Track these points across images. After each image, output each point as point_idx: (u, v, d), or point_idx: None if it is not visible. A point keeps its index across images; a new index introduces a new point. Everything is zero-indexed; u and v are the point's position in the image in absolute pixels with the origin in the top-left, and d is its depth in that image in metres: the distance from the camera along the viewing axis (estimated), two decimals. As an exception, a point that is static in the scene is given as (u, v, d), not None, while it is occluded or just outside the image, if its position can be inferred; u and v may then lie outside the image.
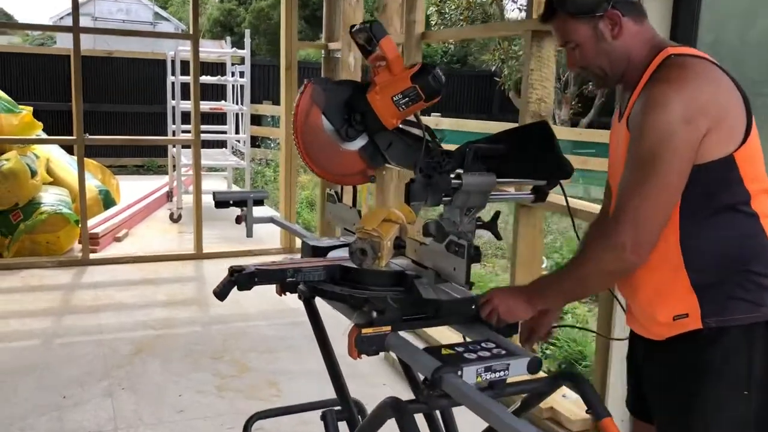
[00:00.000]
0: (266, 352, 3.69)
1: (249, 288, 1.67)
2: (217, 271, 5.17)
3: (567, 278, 1.59)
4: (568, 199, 1.94)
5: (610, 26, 1.54)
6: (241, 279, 1.66)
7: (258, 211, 2.73)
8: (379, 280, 1.69)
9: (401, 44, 4.45)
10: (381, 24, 1.63)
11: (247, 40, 7.04)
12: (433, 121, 10.50)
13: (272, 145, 11.15)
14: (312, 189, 9.39)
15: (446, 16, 10.26)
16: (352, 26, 1.70)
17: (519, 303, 1.58)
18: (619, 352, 2.60)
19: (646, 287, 1.58)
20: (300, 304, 1.88)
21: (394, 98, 1.65)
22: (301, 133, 1.72)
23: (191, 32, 5.49)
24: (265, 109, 11.81)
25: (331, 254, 1.89)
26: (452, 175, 1.74)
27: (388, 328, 1.48)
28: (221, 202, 2.89)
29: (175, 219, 6.93)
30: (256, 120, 11.68)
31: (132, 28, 19.76)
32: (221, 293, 1.67)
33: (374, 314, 1.53)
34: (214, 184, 8.02)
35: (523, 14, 10.99)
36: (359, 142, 1.77)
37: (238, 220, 2.97)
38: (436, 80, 1.64)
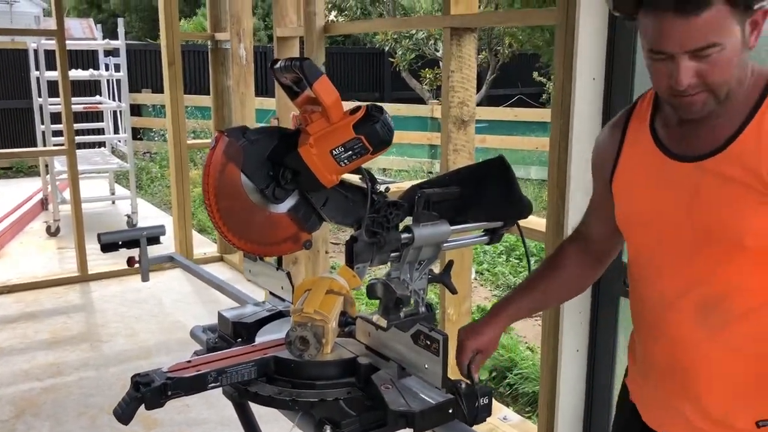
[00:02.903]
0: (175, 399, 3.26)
1: (160, 405, 1.30)
2: (107, 296, 4.63)
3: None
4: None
5: (750, 30, 1.12)
6: (149, 396, 1.28)
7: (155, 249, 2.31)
8: (327, 372, 1.38)
9: (299, 38, 4.06)
10: (312, 62, 1.28)
11: (121, 29, 6.36)
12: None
13: (155, 137, 10.39)
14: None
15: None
16: (274, 61, 1.34)
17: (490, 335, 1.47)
18: (569, 369, 2.43)
19: (727, 380, 1.24)
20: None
21: (334, 152, 1.32)
22: (215, 196, 1.35)
23: (55, 22, 4.78)
24: (145, 98, 11.01)
25: (261, 336, 1.54)
26: (401, 229, 1.47)
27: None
28: (108, 244, 2.45)
29: (52, 232, 6.23)
30: (135, 110, 10.84)
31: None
32: (124, 416, 1.29)
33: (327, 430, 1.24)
34: (94, 185, 7.29)
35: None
36: (288, 202, 1.42)
37: (130, 262, 2.54)
38: (384, 128, 1.32)
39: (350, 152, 1.32)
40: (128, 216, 6.52)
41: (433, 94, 10.74)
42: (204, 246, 5.92)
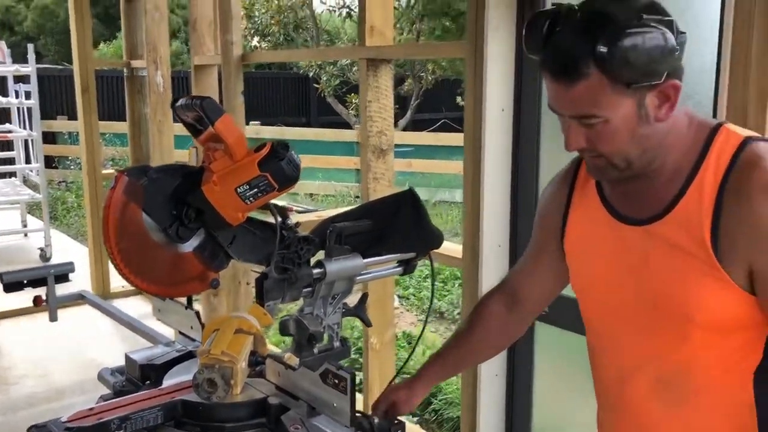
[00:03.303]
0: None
1: (59, 458, 1.24)
2: (15, 336, 4.40)
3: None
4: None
5: (658, 102, 1.07)
6: (47, 449, 1.22)
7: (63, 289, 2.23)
8: (236, 414, 1.35)
9: (217, 66, 4.03)
10: (213, 100, 1.27)
11: (32, 55, 6.13)
12: (254, 130, 10.04)
13: (72, 166, 10.03)
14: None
15: (256, 20, 9.80)
16: (175, 100, 1.32)
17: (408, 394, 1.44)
18: (488, 393, 2.46)
19: None
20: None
21: (239, 190, 1.30)
22: (116, 237, 1.31)
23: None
24: (61, 125, 10.63)
25: (169, 378, 1.49)
26: (312, 264, 1.46)
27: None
28: (11, 284, 2.35)
29: (-43, 268, 5.89)
30: (50, 137, 10.44)
31: None
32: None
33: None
34: (4, 217, 6.96)
35: (340, 13, 10.86)
36: (194, 241, 1.39)
37: (37, 301, 2.43)
38: (291, 165, 1.31)
39: (255, 190, 1.30)
40: (41, 249, 6.24)
41: (360, 119, 10.80)
42: (122, 279, 5.71)
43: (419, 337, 2.72)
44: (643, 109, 1.07)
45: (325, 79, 9.65)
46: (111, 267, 5.55)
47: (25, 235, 7.01)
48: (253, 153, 1.30)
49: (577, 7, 1.07)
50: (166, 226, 1.33)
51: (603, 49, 1.00)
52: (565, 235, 1.32)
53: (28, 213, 7.35)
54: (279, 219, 1.41)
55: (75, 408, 3.43)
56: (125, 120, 5.32)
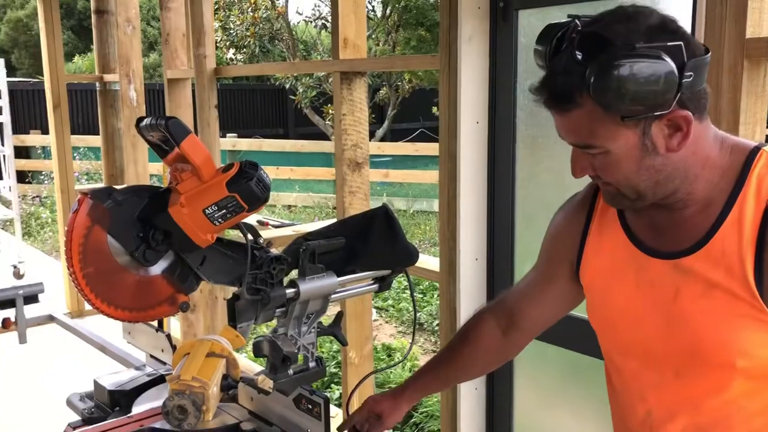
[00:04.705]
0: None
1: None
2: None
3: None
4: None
5: (668, 133, 0.98)
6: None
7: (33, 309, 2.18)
8: (208, 440, 1.31)
9: (189, 79, 3.99)
10: (179, 120, 1.24)
11: (2, 70, 6.04)
12: (230, 142, 9.97)
13: (45, 180, 9.88)
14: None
15: (231, 32, 9.75)
16: (140, 119, 1.29)
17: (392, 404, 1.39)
18: (468, 407, 2.44)
19: None
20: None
21: (207, 211, 1.27)
22: (80, 262, 1.27)
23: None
24: (34, 139, 10.48)
25: (139, 404, 1.45)
26: (285, 284, 1.43)
27: None
28: (-21, 306, 2.28)
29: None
30: (23, 152, 10.29)
31: None
32: None
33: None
34: (-24, 235, 6.83)
35: (315, 25, 10.84)
36: (162, 263, 1.35)
37: (5, 324, 2.38)
38: (260, 185, 1.28)
39: (224, 211, 1.27)
40: (14, 266, 6.12)
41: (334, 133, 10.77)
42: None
43: (405, 356, 2.66)
44: (648, 140, 0.98)
45: (301, 90, 9.62)
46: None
47: (-3, 252, 6.89)
48: (221, 173, 1.27)
49: (580, 27, 0.99)
50: (132, 250, 1.29)
51: (593, 79, 0.93)
52: (581, 265, 1.22)
53: (1, 229, 7.23)
54: (250, 238, 1.38)
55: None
56: (98, 134, 5.26)
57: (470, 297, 2.40)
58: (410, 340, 1.70)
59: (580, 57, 0.95)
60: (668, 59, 0.92)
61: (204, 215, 1.27)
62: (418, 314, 5.10)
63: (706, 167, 1.02)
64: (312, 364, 1.47)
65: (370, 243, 1.58)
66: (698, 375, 1.06)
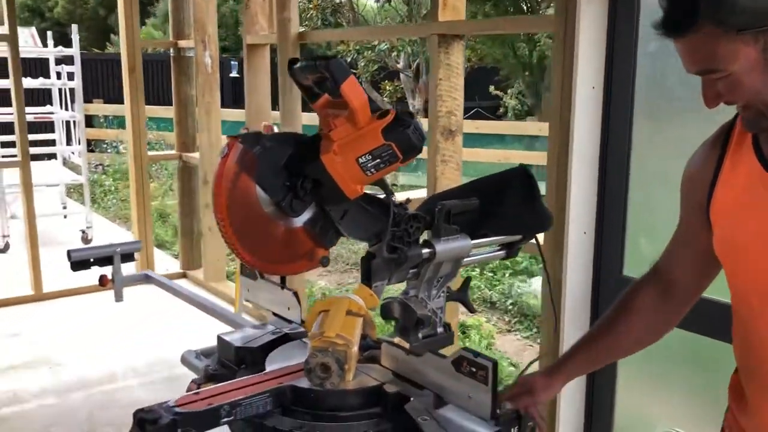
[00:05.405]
0: (145, 425, 3.06)
1: (170, 445, 1.16)
2: (65, 317, 4.36)
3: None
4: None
5: None
6: (156, 433, 1.14)
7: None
8: (350, 402, 1.26)
9: (267, 45, 3.93)
10: (341, 60, 1.16)
11: (75, 36, 6.11)
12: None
13: (108, 149, 10.04)
14: (161, 198, 8.53)
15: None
16: (292, 61, 1.22)
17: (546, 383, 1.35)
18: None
19: None
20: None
21: (360, 160, 1.20)
22: (228, 209, 1.22)
23: (7, 27, 4.53)
24: (97, 108, 10.64)
25: (271, 362, 1.40)
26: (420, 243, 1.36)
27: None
28: (79, 262, 2.28)
29: (1, 249, 5.90)
30: (87, 120, 10.45)
31: None
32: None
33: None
34: (43, 199, 6.94)
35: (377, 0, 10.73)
36: (305, 216, 1.29)
37: (103, 281, 2.37)
38: (416, 133, 1.21)
39: (378, 160, 1.20)
40: (83, 231, 6.23)
41: (393, 107, 10.68)
42: (165, 262, 5.68)
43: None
44: (767, 53, 1.00)
45: (362, 64, 9.52)
46: (155, 252, 5.52)
47: (65, 216, 7.01)
48: (376, 120, 1.20)
49: None
50: (279, 199, 1.23)
51: None
52: (711, 200, 1.20)
53: (66, 195, 7.35)
54: (390, 192, 1.31)
55: (133, 391, 3.37)
56: (161, 104, 5.26)
57: (576, 273, 2.30)
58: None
59: None
60: None
61: (357, 164, 1.20)
62: (489, 293, 5.00)
63: None
64: (440, 330, 1.40)
65: (505, 205, 1.49)
66: None
